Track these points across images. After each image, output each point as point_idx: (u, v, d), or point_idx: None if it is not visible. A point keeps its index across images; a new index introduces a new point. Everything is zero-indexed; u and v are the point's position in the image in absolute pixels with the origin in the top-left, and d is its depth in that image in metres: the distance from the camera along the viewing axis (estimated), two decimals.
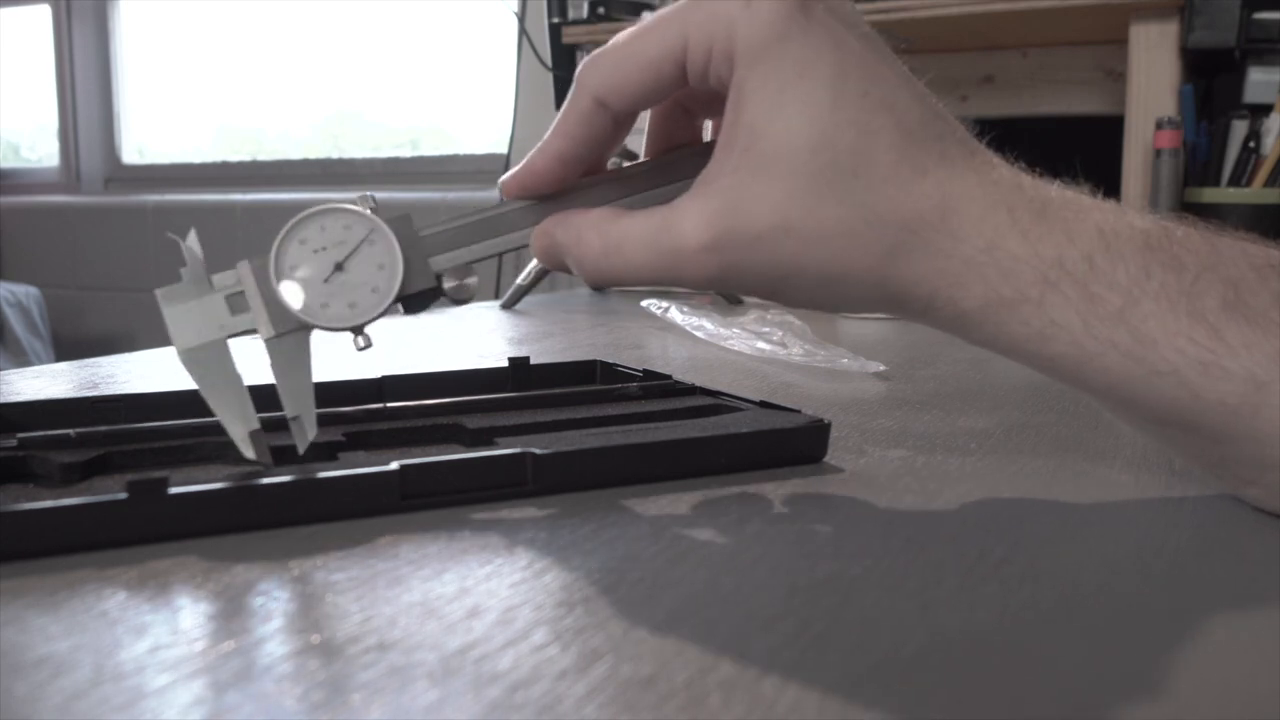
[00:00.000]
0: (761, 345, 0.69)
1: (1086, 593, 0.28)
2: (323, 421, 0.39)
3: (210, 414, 0.39)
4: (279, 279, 0.34)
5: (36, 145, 2.99)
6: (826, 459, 0.41)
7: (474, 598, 0.27)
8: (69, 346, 2.59)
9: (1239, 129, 1.17)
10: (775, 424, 0.40)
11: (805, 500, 0.36)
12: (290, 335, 0.34)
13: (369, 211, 0.35)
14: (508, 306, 1.01)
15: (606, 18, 1.48)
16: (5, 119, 2.91)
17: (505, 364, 0.50)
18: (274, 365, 0.34)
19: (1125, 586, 0.29)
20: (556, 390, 0.47)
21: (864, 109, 0.31)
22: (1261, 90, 1.18)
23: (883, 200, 0.31)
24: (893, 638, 0.25)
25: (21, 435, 0.36)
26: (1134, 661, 0.24)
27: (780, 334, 0.69)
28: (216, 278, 0.34)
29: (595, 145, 0.35)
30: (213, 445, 0.37)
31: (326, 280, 0.34)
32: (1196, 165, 1.18)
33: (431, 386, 0.46)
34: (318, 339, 0.35)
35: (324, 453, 0.37)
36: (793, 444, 0.40)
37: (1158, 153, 1.15)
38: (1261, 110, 1.17)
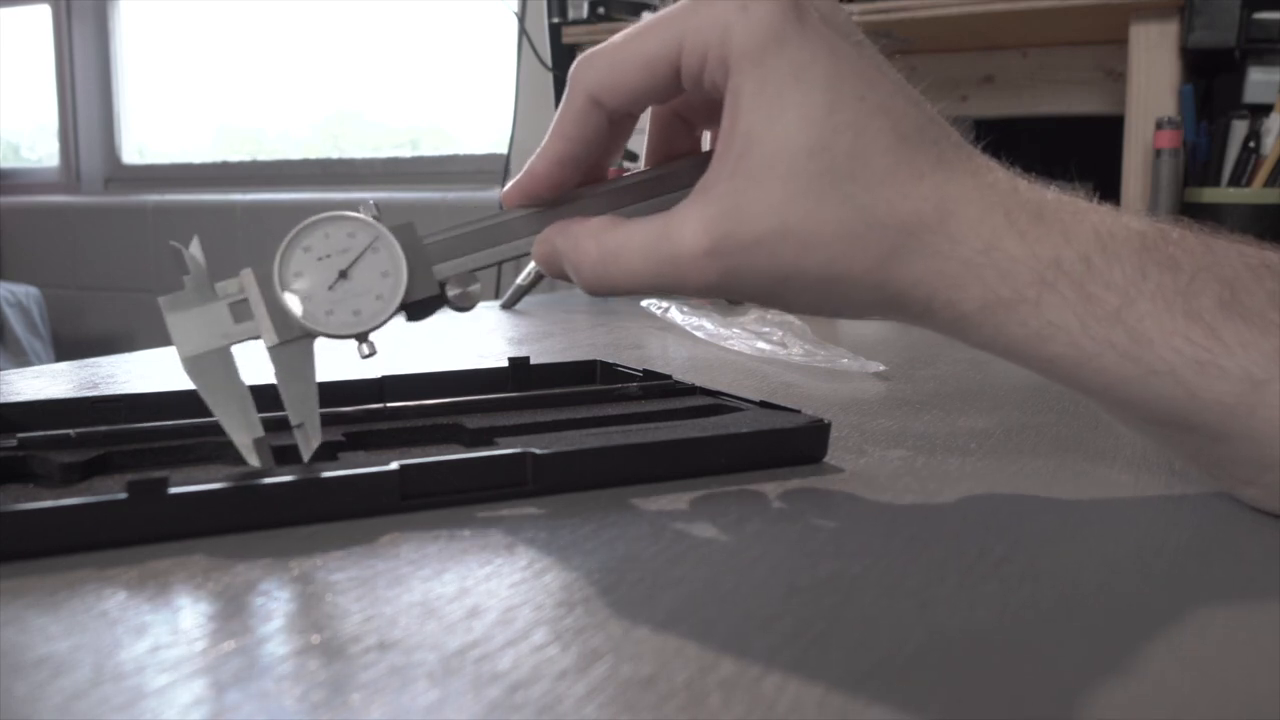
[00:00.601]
0: (761, 345, 0.69)
1: (1086, 592, 0.28)
2: (323, 421, 0.39)
3: (211, 414, 0.39)
4: (282, 286, 0.34)
5: (36, 145, 2.99)
6: (826, 459, 0.41)
7: (474, 598, 0.27)
8: (69, 346, 2.59)
9: (1239, 129, 1.17)
10: (775, 424, 0.40)
11: (805, 500, 0.36)
12: (294, 343, 0.34)
13: (373, 219, 0.35)
14: (508, 306, 1.01)
15: (606, 18, 1.48)
16: (5, 119, 2.91)
17: (505, 364, 0.50)
18: (278, 373, 0.34)
19: (1125, 586, 0.29)
20: (556, 390, 0.47)
21: (860, 113, 0.31)
22: (1261, 90, 1.18)
23: (880, 203, 0.31)
24: (893, 637, 0.25)
25: (21, 435, 0.36)
26: (1134, 661, 0.24)
27: (780, 334, 0.69)
28: (220, 285, 0.34)
29: (593, 146, 0.35)
30: (213, 445, 0.37)
31: (330, 288, 0.34)
32: (1196, 165, 1.18)
33: (431, 386, 0.46)
34: (320, 343, 0.35)
35: (324, 453, 0.37)
36: (793, 444, 0.40)
37: (1158, 153, 1.15)
38: (1261, 110, 1.17)
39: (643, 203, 0.36)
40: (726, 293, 0.33)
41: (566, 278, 0.35)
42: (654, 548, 0.31)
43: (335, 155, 2.53)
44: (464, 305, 0.36)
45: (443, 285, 0.35)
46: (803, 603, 0.27)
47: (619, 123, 0.35)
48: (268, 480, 0.32)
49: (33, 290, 2.58)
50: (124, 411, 0.41)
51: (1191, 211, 1.14)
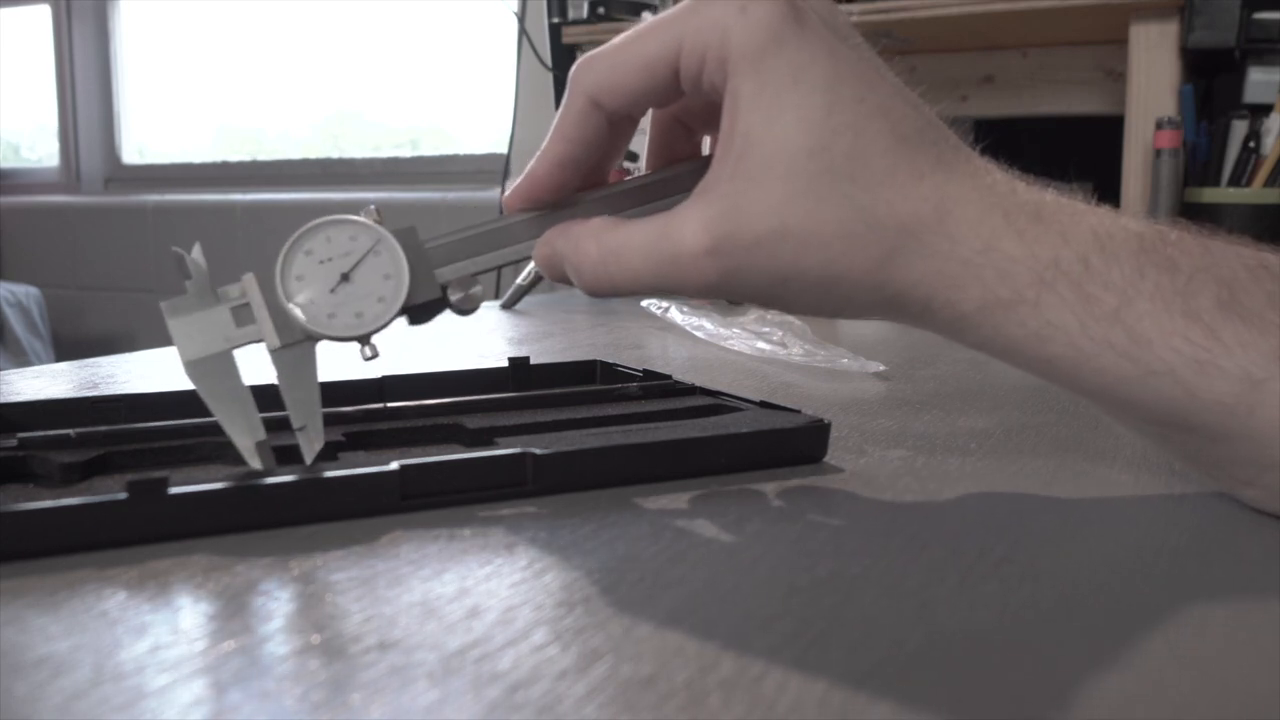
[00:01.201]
0: (761, 345, 0.69)
1: (1086, 592, 0.28)
2: (323, 421, 0.39)
3: (211, 415, 0.39)
4: (284, 290, 0.34)
5: (36, 145, 2.99)
6: (826, 459, 0.41)
7: (474, 598, 0.27)
8: (69, 346, 2.59)
9: (1239, 129, 1.17)
10: (775, 424, 0.40)
11: (805, 500, 0.36)
12: (297, 346, 0.34)
13: (374, 222, 0.35)
14: (508, 306, 1.01)
15: (606, 18, 1.48)
16: (5, 119, 2.91)
17: (505, 364, 0.50)
18: (280, 376, 0.34)
19: (1125, 586, 0.29)
20: (556, 390, 0.47)
21: (859, 114, 0.32)
22: (1261, 90, 1.18)
23: (880, 203, 0.31)
24: (893, 637, 0.25)
25: (21, 435, 0.36)
26: (1133, 661, 0.24)
27: (780, 334, 0.69)
28: (222, 290, 0.34)
29: (593, 148, 0.35)
30: (213, 445, 0.37)
31: (333, 291, 0.34)
32: (1196, 165, 1.18)
33: (431, 386, 0.46)
34: (322, 344, 0.35)
35: (324, 453, 0.37)
36: (793, 444, 0.40)
37: (1158, 153, 1.15)
38: (1261, 110, 1.17)
39: (643, 206, 0.36)
40: (726, 293, 0.33)
41: (568, 281, 0.35)
42: (654, 548, 0.31)
43: (335, 155, 2.53)
44: (466, 308, 0.36)
45: (444, 288, 0.35)
46: (803, 602, 0.27)
47: (619, 125, 0.35)
48: (268, 480, 0.32)
49: (33, 290, 2.58)
50: (124, 411, 0.41)
51: (1191, 212, 1.14)
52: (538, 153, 0.35)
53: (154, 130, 2.82)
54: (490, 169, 2.13)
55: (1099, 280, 0.32)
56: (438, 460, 0.34)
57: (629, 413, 0.43)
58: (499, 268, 0.36)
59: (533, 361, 0.50)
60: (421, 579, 0.28)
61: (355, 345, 0.35)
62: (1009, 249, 0.32)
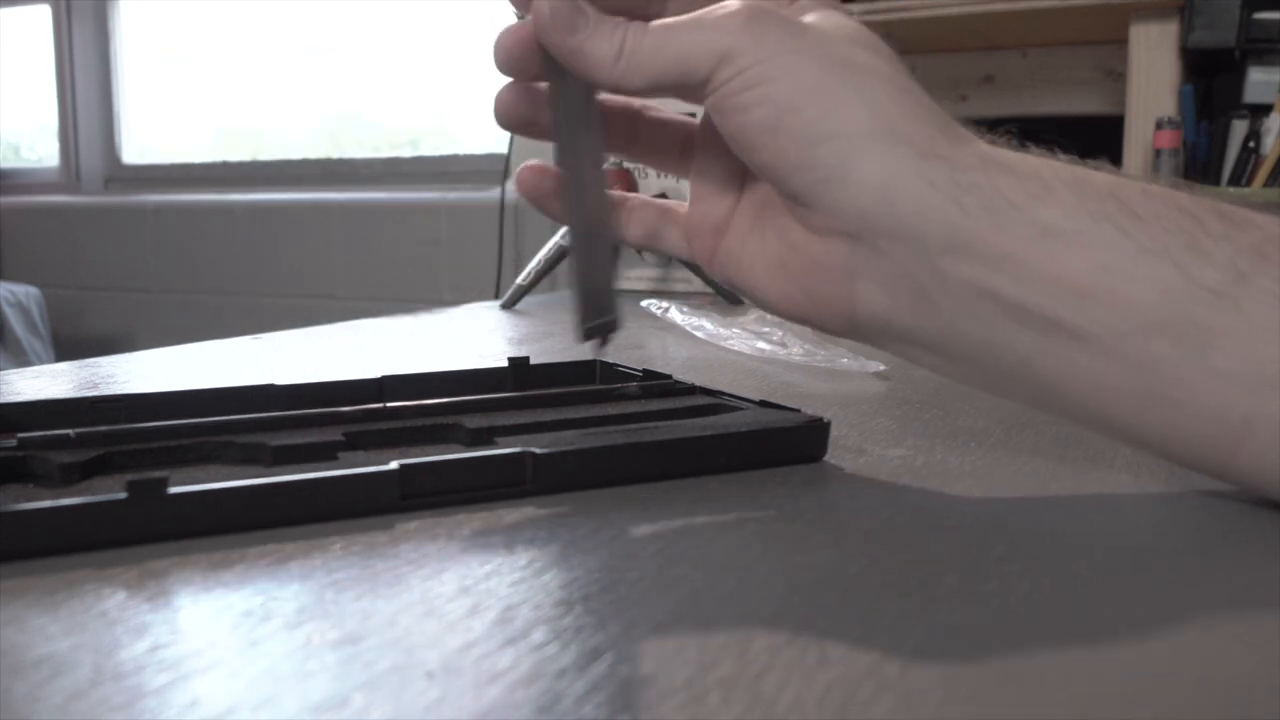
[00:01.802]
0: (761, 345, 0.69)
1: (1086, 591, 0.28)
2: (323, 421, 0.40)
3: (210, 414, 0.39)
4: None
5: (36, 145, 2.99)
6: (826, 458, 0.41)
7: (473, 597, 0.27)
8: (69, 346, 2.59)
9: (1239, 129, 1.17)
10: (775, 423, 0.41)
11: (805, 499, 0.36)
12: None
13: None
14: (508, 306, 1.01)
15: None
16: (5, 119, 2.91)
17: (505, 364, 0.50)
18: None
19: (1125, 585, 0.29)
20: (556, 390, 0.47)
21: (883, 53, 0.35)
22: (1261, 90, 1.18)
23: (892, 104, 0.33)
24: (892, 635, 0.25)
25: (21, 435, 0.36)
26: (1133, 660, 0.24)
27: (780, 334, 0.69)
28: None
29: None
30: (213, 445, 0.37)
31: None
32: (1196, 165, 1.18)
33: (431, 386, 0.46)
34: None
35: (324, 453, 0.37)
36: (793, 443, 0.40)
37: (1158, 153, 1.15)
38: (1261, 110, 1.17)
39: None
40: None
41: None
42: (653, 547, 0.31)
43: (335, 155, 2.53)
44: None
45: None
46: (802, 601, 0.27)
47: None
48: (267, 480, 0.32)
49: (33, 290, 2.58)
50: (124, 411, 0.41)
51: None
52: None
53: (154, 130, 2.82)
54: (490, 169, 2.13)
55: (1084, 169, 0.33)
56: (437, 460, 0.34)
57: (629, 412, 0.43)
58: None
59: (532, 361, 0.50)
60: (421, 578, 0.28)
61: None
62: (996, 146, 0.34)
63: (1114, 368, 0.32)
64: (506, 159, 1.88)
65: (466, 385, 0.47)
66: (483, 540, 0.31)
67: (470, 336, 0.81)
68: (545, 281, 1.07)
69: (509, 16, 0.38)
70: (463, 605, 0.26)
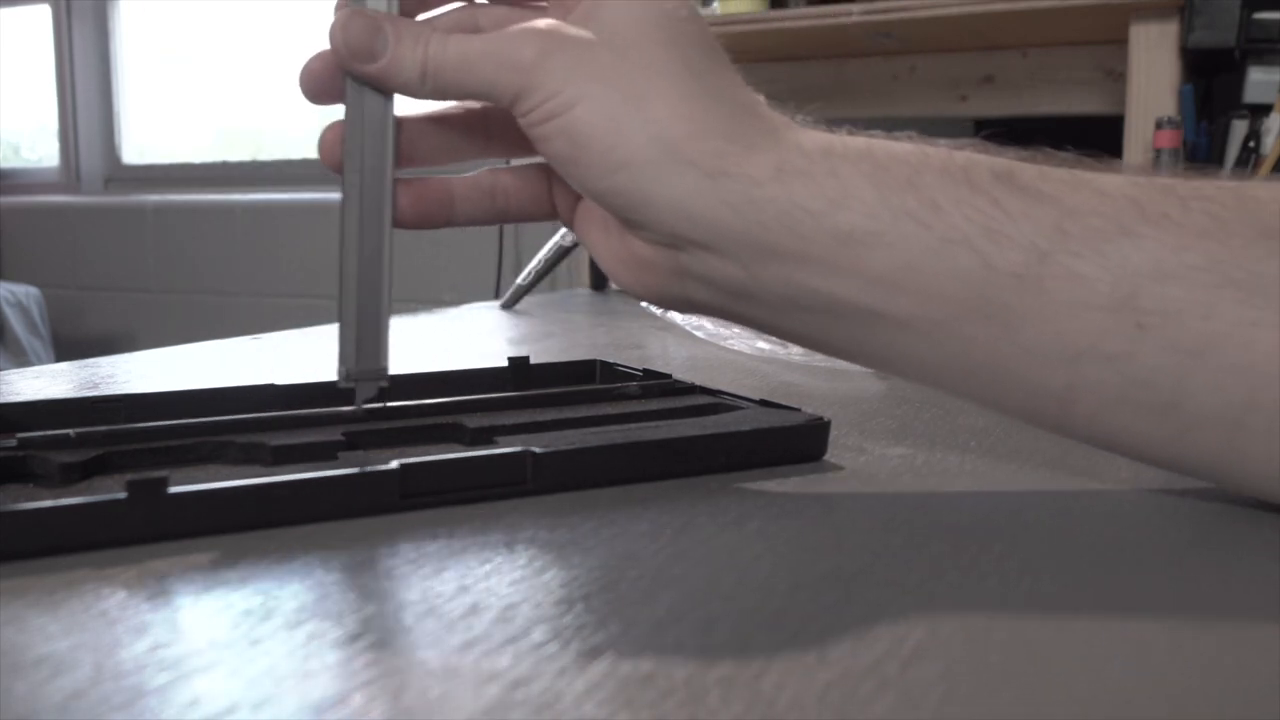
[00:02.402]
0: (761, 344, 0.69)
1: (1086, 590, 0.28)
2: (323, 421, 0.40)
3: (210, 414, 0.39)
4: None
5: (36, 145, 2.99)
6: (826, 457, 0.41)
7: (473, 596, 0.27)
8: (69, 346, 2.60)
9: (1239, 129, 1.17)
10: (775, 422, 0.41)
11: (805, 498, 0.36)
12: None
13: None
14: (508, 306, 1.01)
15: None
16: (5, 119, 2.91)
17: (505, 364, 0.50)
18: None
19: (1124, 584, 0.29)
20: (556, 390, 0.47)
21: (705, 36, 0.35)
22: (1261, 90, 1.18)
23: (677, 124, 0.33)
24: (892, 634, 0.25)
25: (21, 435, 0.36)
26: (1133, 659, 0.24)
27: None
28: None
29: None
30: (213, 445, 0.37)
31: None
32: (1196, 165, 1.18)
33: (431, 386, 0.46)
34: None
35: (324, 453, 0.37)
36: (792, 442, 0.40)
37: (1157, 153, 1.15)
38: (1261, 110, 1.17)
39: None
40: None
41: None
42: (653, 546, 0.31)
43: None
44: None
45: None
46: (803, 600, 0.27)
47: None
48: (267, 480, 0.32)
49: (33, 290, 2.58)
50: (124, 411, 0.41)
51: None
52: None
53: (154, 130, 2.82)
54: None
55: (887, 153, 0.33)
56: (438, 459, 0.34)
57: (629, 412, 0.43)
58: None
59: (533, 361, 0.50)
60: (421, 577, 0.28)
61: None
62: (800, 135, 0.34)
63: (935, 349, 0.33)
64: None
65: (466, 385, 0.47)
66: (483, 539, 0.31)
67: (470, 336, 0.81)
68: (545, 281, 1.07)
69: None
70: (463, 604, 0.26)
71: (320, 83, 0.36)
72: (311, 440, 0.37)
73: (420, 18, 0.37)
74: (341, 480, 0.33)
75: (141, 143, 2.82)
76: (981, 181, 0.32)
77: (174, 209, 2.55)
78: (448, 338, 0.78)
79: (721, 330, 0.74)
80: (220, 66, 2.69)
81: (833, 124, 0.36)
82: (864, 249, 0.32)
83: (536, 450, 0.35)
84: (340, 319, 0.36)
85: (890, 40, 1.38)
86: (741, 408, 0.44)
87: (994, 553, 0.30)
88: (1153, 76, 1.19)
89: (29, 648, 0.23)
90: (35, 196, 2.79)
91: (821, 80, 1.54)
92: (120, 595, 0.26)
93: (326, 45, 0.35)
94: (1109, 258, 0.31)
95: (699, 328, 0.76)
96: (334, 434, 0.38)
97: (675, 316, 0.81)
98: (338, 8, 0.35)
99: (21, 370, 0.60)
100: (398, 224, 0.37)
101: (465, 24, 0.37)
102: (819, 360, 0.63)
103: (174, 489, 0.30)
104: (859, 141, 0.34)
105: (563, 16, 0.35)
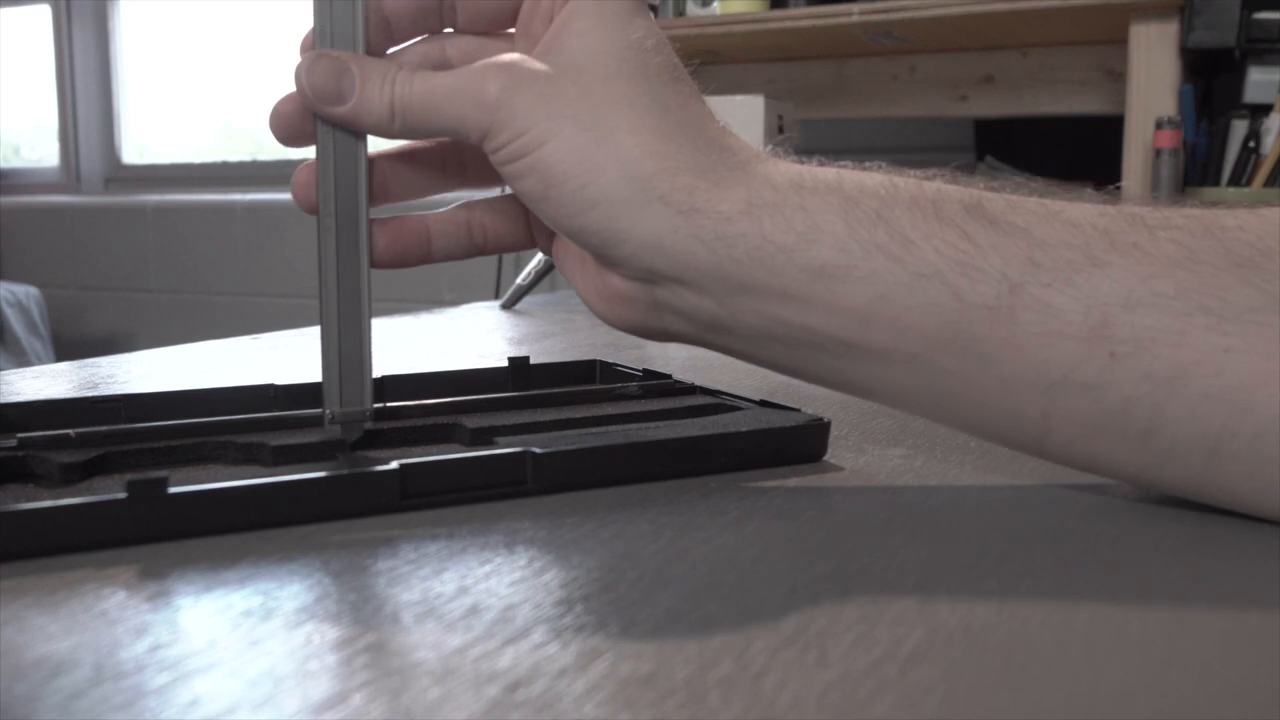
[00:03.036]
0: None
1: (1085, 590, 0.28)
2: (323, 421, 0.39)
3: (210, 414, 0.39)
4: None
5: (36, 145, 2.99)
6: (826, 457, 0.41)
7: (473, 596, 0.27)
8: (69, 346, 2.60)
9: (1239, 129, 1.17)
10: (775, 423, 0.41)
11: (805, 498, 0.36)
12: None
13: None
14: (508, 306, 1.01)
15: None
16: (5, 119, 2.91)
17: (505, 364, 0.50)
18: None
19: (1124, 584, 0.29)
20: (556, 390, 0.47)
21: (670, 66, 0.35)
22: (1261, 90, 1.18)
23: (647, 161, 0.33)
24: (892, 634, 0.25)
25: (21, 435, 0.36)
26: (1133, 659, 0.24)
27: None
28: None
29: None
30: (213, 445, 0.37)
31: None
32: (1196, 165, 1.18)
33: (431, 386, 0.46)
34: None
35: (324, 453, 0.37)
36: (792, 442, 0.40)
37: (1157, 153, 1.15)
38: (1261, 110, 1.17)
39: None
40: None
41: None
42: (653, 546, 0.31)
43: None
44: None
45: None
46: (802, 600, 0.27)
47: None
48: (267, 480, 0.32)
49: (33, 290, 2.58)
50: (124, 411, 0.41)
51: None
52: None
53: (154, 130, 2.82)
54: None
55: (857, 186, 0.33)
56: (437, 460, 0.34)
57: (629, 412, 0.43)
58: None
59: (533, 361, 0.50)
60: (421, 578, 0.28)
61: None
62: (770, 168, 0.34)
63: (912, 378, 0.34)
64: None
65: (467, 385, 0.47)
66: (482, 540, 0.31)
67: (470, 336, 0.81)
68: (545, 282, 1.07)
69: None
70: (463, 605, 0.26)
71: (291, 125, 0.36)
72: (311, 440, 0.37)
73: (391, 50, 0.36)
74: (341, 480, 0.33)
75: (141, 143, 2.83)
76: (951, 214, 0.32)
77: (174, 209, 2.55)
78: (447, 338, 0.78)
79: None
80: (220, 66, 2.69)
81: (802, 155, 0.36)
82: (836, 283, 0.32)
83: (536, 450, 0.35)
84: (323, 362, 0.36)
85: (890, 40, 1.38)
86: (741, 408, 0.44)
87: (994, 554, 0.30)
88: (1153, 76, 1.19)
89: (29, 648, 0.23)
90: (35, 196, 2.79)
91: (821, 80, 1.54)
92: (120, 595, 0.26)
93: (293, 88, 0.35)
94: (1080, 288, 0.31)
95: None
96: (334, 434, 0.38)
97: None
98: (302, 49, 0.35)
99: (21, 370, 0.60)
100: (374, 264, 0.37)
101: (433, 56, 0.37)
102: None
103: (174, 489, 0.30)
104: (829, 174, 0.34)
105: (529, 48, 0.35)
